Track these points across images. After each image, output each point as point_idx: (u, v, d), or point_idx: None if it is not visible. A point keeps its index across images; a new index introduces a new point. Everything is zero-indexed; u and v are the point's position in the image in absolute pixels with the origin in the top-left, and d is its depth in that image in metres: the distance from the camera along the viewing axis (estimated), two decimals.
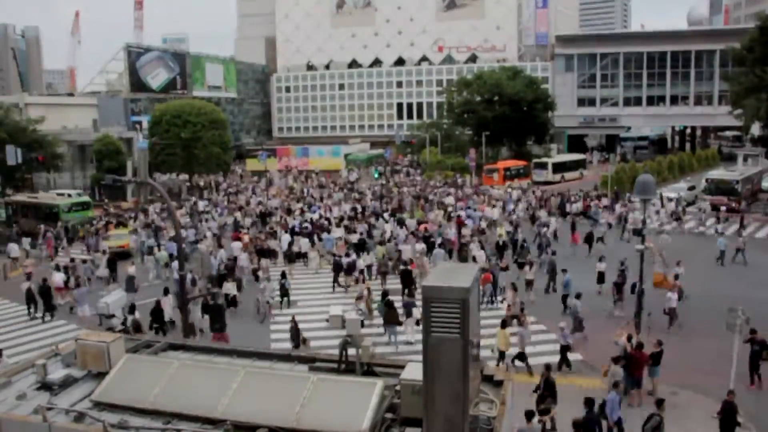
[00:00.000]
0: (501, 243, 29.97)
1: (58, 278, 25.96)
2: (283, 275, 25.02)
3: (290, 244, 31.03)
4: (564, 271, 23.49)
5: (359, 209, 40.80)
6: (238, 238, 32.22)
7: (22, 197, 45.78)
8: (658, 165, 54.43)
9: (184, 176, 64.23)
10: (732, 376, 14.69)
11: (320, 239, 31.65)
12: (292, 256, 30.57)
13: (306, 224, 35.31)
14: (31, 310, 24.17)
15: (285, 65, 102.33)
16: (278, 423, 6.45)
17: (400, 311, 20.39)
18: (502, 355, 17.59)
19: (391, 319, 19.96)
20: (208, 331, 19.80)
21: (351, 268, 26.17)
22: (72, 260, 29.27)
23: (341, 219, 36.84)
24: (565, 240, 32.34)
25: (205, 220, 39.81)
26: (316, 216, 38.55)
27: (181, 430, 6.59)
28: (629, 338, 16.39)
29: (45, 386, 7.66)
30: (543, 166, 60.32)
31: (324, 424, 6.38)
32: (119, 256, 31.21)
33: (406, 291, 23.21)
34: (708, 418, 13.77)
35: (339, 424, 6.34)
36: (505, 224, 34.41)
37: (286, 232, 33.23)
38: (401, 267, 25.17)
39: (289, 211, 41.56)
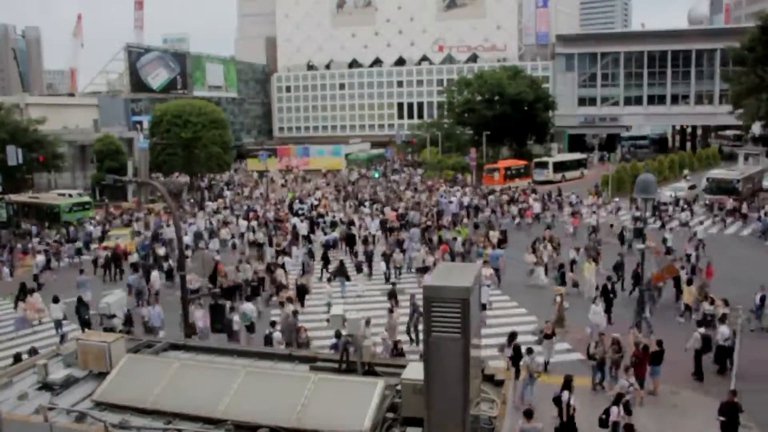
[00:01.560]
0: (610, 288, 21.43)
1: (40, 259, 29.29)
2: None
3: (294, 226, 34.65)
4: (501, 244, 26.03)
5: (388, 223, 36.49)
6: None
7: (23, 197, 45.83)
8: (659, 164, 54.42)
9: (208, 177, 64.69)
10: (733, 376, 14.69)
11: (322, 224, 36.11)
12: (297, 236, 33.29)
13: (303, 212, 39.66)
14: (106, 276, 29.10)
15: (285, 65, 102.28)
16: (279, 423, 6.44)
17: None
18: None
19: (340, 273, 25.03)
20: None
21: (334, 245, 31.98)
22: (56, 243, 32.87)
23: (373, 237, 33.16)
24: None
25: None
26: (308, 205, 42.72)
27: (182, 430, 6.59)
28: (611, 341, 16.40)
29: (46, 386, 7.67)
30: (544, 165, 60.32)
31: (325, 423, 6.37)
32: (117, 256, 31.11)
33: (351, 250, 30.68)
34: (708, 418, 13.75)
35: (340, 424, 6.34)
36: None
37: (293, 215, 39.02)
38: (346, 232, 32.39)
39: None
